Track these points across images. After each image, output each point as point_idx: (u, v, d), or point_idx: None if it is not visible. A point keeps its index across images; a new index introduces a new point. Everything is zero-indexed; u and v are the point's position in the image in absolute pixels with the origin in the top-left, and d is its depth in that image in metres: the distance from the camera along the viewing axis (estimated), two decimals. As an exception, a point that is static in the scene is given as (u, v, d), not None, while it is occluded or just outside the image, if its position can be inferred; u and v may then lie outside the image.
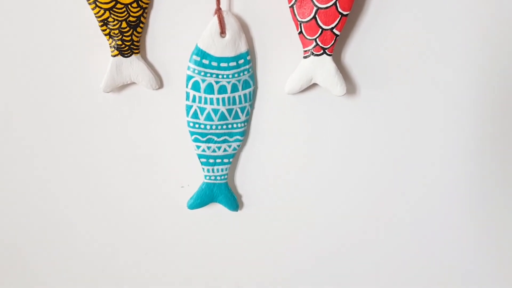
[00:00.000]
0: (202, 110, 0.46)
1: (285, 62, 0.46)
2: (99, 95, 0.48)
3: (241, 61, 0.45)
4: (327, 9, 0.42)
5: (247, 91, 0.47)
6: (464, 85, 0.46)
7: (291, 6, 0.43)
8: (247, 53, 0.45)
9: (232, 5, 0.45)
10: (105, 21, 0.44)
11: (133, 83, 0.47)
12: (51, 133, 0.49)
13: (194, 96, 0.46)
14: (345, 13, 0.42)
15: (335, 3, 0.41)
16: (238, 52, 0.45)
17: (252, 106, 0.48)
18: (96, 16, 0.44)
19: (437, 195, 0.50)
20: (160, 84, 0.48)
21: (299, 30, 0.44)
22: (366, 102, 0.47)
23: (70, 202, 0.52)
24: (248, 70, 0.46)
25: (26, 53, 0.47)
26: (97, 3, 0.43)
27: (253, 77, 0.47)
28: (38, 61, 0.47)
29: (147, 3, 0.45)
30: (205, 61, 0.45)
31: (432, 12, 0.44)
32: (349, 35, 0.45)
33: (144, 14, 0.45)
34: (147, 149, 0.50)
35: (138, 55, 0.46)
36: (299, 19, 0.43)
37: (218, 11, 0.43)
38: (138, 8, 0.45)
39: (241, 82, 0.46)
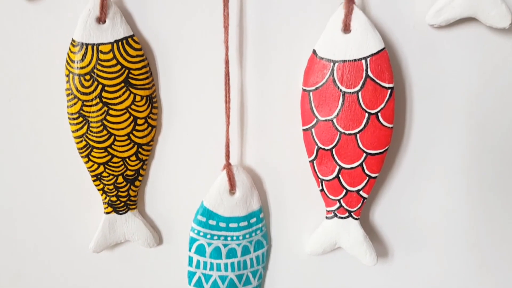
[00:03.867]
0: (208, 277, 0.39)
1: (304, 219, 0.40)
2: (89, 253, 0.41)
3: (253, 220, 0.39)
4: (352, 170, 0.37)
5: (259, 252, 0.40)
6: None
7: (311, 161, 0.38)
8: (260, 210, 0.40)
9: (244, 157, 0.40)
10: (99, 176, 0.39)
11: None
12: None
13: (198, 262, 0.39)
14: (373, 175, 0.37)
15: (361, 164, 0.36)
16: (249, 211, 0.39)
17: (265, 268, 0.41)
18: (89, 171, 0.39)
19: None
20: (159, 241, 0.41)
21: (321, 187, 0.38)
22: (400, 268, 0.40)
23: None
24: (261, 229, 0.40)
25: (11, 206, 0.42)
26: (90, 157, 0.38)
27: (266, 235, 0.40)
28: (22, 220, 0.41)
29: (147, 155, 0.40)
30: (212, 222, 0.39)
31: (469, 170, 0.39)
32: (378, 194, 0.39)
33: (144, 166, 0.40)
34: (142, 316, 0.43)
35: (135, 211, 0.40)
36: (320, 177, 0.38)
37: (228, 167, 0.39)
38: (137, 161, 0.39)
39: (253, 243, 0.40)
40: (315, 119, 0.37)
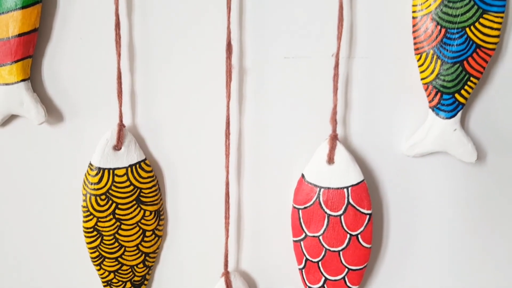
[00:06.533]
0: None
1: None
2: None
3: (248, 322, 0.44)
4: (336, 281, 0.41)
5: None
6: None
7: (300, 269, 0.43)
8: (255, 312, 0.44)
9: (240, 262, 0.44)
10: (109, 282, 0.43)
11: (133, 337, 0.45)
12: None
13: None
14: (354, 287, 0.41)
15: (343, 278, 0.41)
16: (245, 313, 0.44)
17: None
18: (100, 277, 0.43)
19: None
20: (162, 338, 0.45)
21: (308, 293, 0.43)
22: None
23: None
24: (255, 329, 0.44)
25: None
26: (102, 265, 0.43)
27: (260, 334, 0.45)
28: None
29: (153, 262, 0.44)
30: (211, 325, 0.43)
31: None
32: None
33: (150, 272, 0.44)
34: None
35: (141, 311, 0.45)
36: (308, 284, 0.42)
37: (226, 274, 0.43)
38: (144, 268, 0.44)
39: None
40: (304, 234, 0.41)
